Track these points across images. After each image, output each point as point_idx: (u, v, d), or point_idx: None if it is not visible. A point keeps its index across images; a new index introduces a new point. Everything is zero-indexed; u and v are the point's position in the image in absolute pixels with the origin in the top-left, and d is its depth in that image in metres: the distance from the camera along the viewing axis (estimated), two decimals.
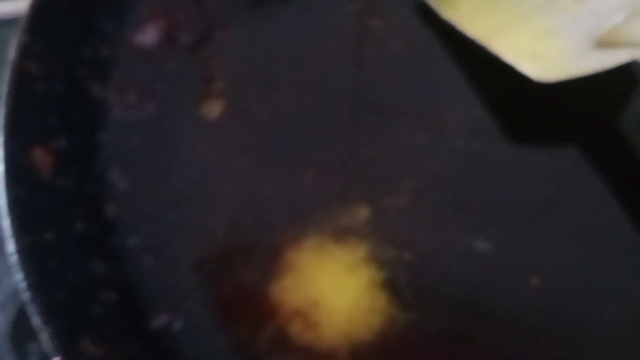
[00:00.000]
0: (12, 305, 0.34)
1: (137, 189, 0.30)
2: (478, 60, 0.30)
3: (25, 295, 0.22)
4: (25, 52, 0.26)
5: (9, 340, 0.33)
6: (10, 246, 0.22)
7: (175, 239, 0.29)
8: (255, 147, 0.31)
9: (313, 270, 0.29)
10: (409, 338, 0.28)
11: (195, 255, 0.29)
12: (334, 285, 0.29)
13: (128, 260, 0.28)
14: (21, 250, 0.22)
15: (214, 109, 0.32)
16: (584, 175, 0.30)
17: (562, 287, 0.28)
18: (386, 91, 0.32)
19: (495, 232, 0.29)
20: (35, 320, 0.22)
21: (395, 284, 0.29)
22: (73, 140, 0.29)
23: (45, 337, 0.21)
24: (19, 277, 0.22)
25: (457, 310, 0.28)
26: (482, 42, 0.29)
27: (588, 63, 0.27)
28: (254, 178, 0.31)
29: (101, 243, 0.28)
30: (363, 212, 0.30)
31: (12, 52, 0.26)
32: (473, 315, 0.28)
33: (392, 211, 0.30)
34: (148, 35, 0.33)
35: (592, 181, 0.30)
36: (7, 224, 0.23)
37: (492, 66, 0.29)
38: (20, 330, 0.34)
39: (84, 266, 0.26)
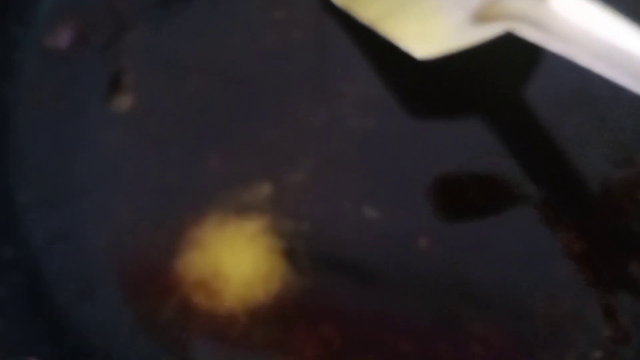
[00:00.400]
0: None
1: (46, 181, 0.32)
2: (373, 43, 0.32)
3: None
4: None
5: None
6: None
7: (83, 226, 0.31)
8: (162, 136, 0.33)
9: (215, 244, 0.31)
10: (304, 302, 0.29)
11: (102, 239, 0.31)
12: (234, 255, 0.30)
13: (36, 245, 0.30)
14: None
15: (123, 103, 0.34)
16: (478, 147, 0.31)
17: (450, 247, 0.30)
18: (287, 76, 0.34)
19: (384, 200, 0.31)
20: None
21: (293, 253, 0.30)
22: None
23: None
24: None
25: (350, 274, 0.30)
26: (373, 27, 0.31)
27: (465, 37, 0.28)
28: (160, 165, 0.32)
29: (9, 231, 0.30)
30: (265, 189, 0.32)
31: None
32: (365, 279, 0.30)
33: (292, 187, 0.32)
34: (59, 38, 0.35)
35: (488, 152, 0.31)
36: None
37: (388, 49, 0.31)
38: None
39: None
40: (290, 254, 0.30)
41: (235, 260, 0.30)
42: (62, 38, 0.35)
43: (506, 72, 0.33)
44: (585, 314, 0.29)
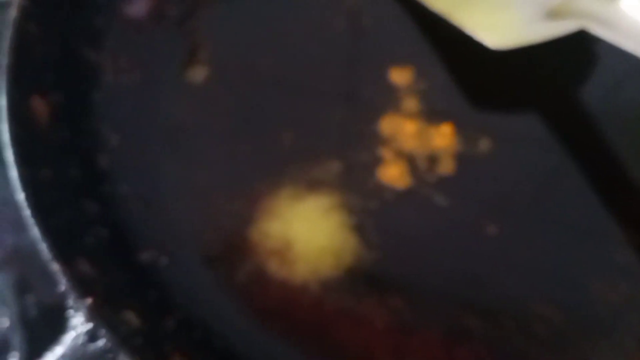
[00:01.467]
0: (15, 263, 0.36)
1: (127, 145, 0.33)
2: (441, 31, 0.33)
3: (25, 212, 0.24)
4: (25, 14, 0.29)
5: (12, 294, 0.36)
6: (13, 172, 0.25)
7: (162, 189, 0.32)
8: (236, 110, 0.34)
9: (288, 215, 0.32)
10: (374, 275, 0.31)
11: (179, 204, 0.32)
12: (307, 228, 0.31)
13: (118, 205, 0.31)
14: (21, 176, 0.25)
15: (198, 74, 0.35)
16: (542, 139, 0.32)
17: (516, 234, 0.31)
18: (355, 60, 0.35)
19: (454, 189, 0.32)
20: (35, 233, 0.24)
21: (363, 228, 0.31)
22: (68, 96, 0.31)
23: (44, 249, 0.24)
24: (20, 197, 0.25)
25: (419, 253, 0.31)
26: (445, 16, 0.32)
27: (539, 32, 0.30)
28: (234, 138, 0.33)
29: (94, 188, 0.30)
30: (335, 166, 0.33)
31: (13, 12, 0.28)
32: (432, 258, 0.31)
33: (360, 166, 0.33)
34: (137, 8, 0.36)
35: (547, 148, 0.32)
36: (9, 152, 0.25)
37: (456, 38, 0.32)
38: (22, 285, 0.36)
39: (77, 204, 0.29)
40: (360, 230, 0.31)
41: (308, 232, 0.31)
42: (140, 8, 0.36)
43: (565, 71, 0.34)
44: None
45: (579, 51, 0.33)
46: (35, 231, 0.24)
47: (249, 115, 0.34)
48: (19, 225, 0.35)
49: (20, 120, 0.27)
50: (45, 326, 0.35)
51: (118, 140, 0.33)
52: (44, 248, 0.24)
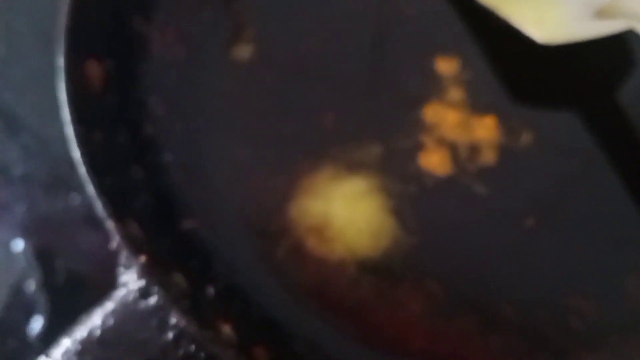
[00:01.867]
0: (44, 230, 0.37)
1: (172, 116, 0.33)
2: (485, 24, 0.33)
3: (81, 170, 0.25)
4: None
5: (35, 259, 0.36)
6: (69, 130, 0.25)
7: (204, 161, 0.32)
8: (280, 89, 0.34)
9: (327, 195, 0.32)
10: (411, 259, 0.31)
11: (221, 176, 0.32)
12: (346, 208, 0.32)
13: (163, 173, 0.31)
14: (76, 134, 0.25)
15: (244, 52, 0.35)
16: (580, 138, 0.33)
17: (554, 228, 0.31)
18: (400, 48, 0.35)
19: (494, 180, 0.32)
20: (90, 190, 0.24)
21: (402, 212, 0.32)
22: (119, 64, 0.32)
23: (99, 205, 0.24)
24: (76, 155, 0.25)
25: (456, 240, 0.31)
26: (491, 8, 0.32)
27: (587, 29, 0.30)
28: (277, 116, 0.34)
29: (140, 155, 0.31)
30: (375, 150, 0.33)
31: None
32: (470, 246, 0.31)
33: (400, 151, 0.33)
34: None
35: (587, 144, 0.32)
36: (66, 111, 0.26)
37: (499, 30, 0.32)
38: (47, 252, 0.37)
39: (125, 169, 0.29)
40: (398, 214, 0.31)
41: (347, 212, 0.31)
42: None
43: (608, 71, 0.34)
44: None
45: (622, 51, 0.33)
46: (90, 188, 0.25)
47: (291, 95, 0.34)
48: (53, 190, 0.36)
49: (77, 81, 0.27)
50: (71, 294, 0.35)
51: (164, 111, 0.33)
52: (99, 205, 0.24)
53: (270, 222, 0.31)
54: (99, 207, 0.24)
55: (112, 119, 0.30)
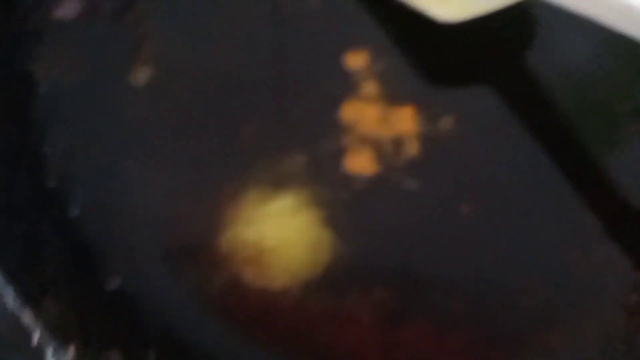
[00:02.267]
0: None
1: (75, 158, 0.30)
2: (390, 12, 0.32)
3: None
4: None
5: None
6: None
7: (119, 202, 0.30)
8: (189, 108, 0.32)
9: (257, 219, 0.30)
10: (354, 269, 0.30)
11: (140, 214, 0.30)
12: (279, 229, 0.30)
13: (74, 230, 0.29)
14: None
15: (143, 73, 0.33)
16: (499, 115, 0.32)
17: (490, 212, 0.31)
18: (307, 47, 0.33)
19: (422, 171, 0.31)
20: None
21: (336, 222, 0.30)
22: (5, 112, 0.29)
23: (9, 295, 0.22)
24: None
25: (396, 240, 0.30)
26: None
27: (489, 1, 0.29)
28: (192, 136, 0.31)
29: (48, 212, 0.28)
30: (299, 160, 0.31)
31: None
32: (409, 244, 0.30)
33: (326, 156, 0.31)
34: (67, 8, 0.33)
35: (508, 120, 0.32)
36: None
37: (404, 16, 0.31)
38: None
39: (33, 232, 0.27)
40: (333, 224, 0.30)
41: (280, 233, 0.30)
42: (70, 8, 0.33)
43: (513, 40, 0.33)
44: (619, 261, 0.30)
45: (523, 18, 0.33)
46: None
47: (202, 113, 0.32)
48: None
49: None
50: None
51: (63, 156, 0.31)
52: (10, 293, 0.22)
53: (200, 259, 0.29)
54: (9, 296, 0.22)
55: (7, 177, 0.27)
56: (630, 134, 0.32)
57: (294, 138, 0.32)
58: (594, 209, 0.31)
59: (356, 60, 0.33)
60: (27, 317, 0.22)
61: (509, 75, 0.33)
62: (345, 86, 0.32)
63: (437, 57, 0.33)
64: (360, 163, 0.32)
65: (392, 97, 0.32)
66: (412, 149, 0.32)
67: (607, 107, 0.32)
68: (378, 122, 0.32)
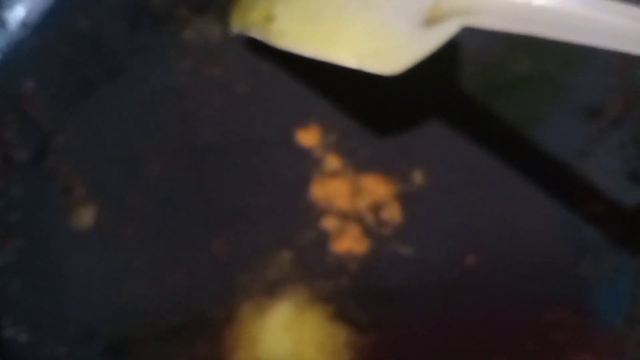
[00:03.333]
0: None
1: (37, 336, 0.26)
2: (324, 75, 0.30)
3: None
4: None
5: None
6: None
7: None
8: (147, 237, 0.29)
9: (262, 335, 0.27)
10: (378, 356, 0.27)
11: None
12: (288, 340, 0.27)
13: None
14: None
15: (86, 216, 0.29)
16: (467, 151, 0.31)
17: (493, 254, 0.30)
18: (247, 132, 0.31)
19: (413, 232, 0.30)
20: None
21: (346, 311, 0.28)
22: None
23: None
24: None
25: (410, 310, 0.28)
26: (322, 58, 0.29)
27: (424, 44, 0.28)
28: (161, 268, 0.28)
29: None
30: (286, 258, 0.29)
31: None
32: (425, 309, 0.28)
33: (311, 246, 0.29)
34: None
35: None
36: None
37: (341, 79, 0.29)
38: None
39: None
40: (343, 315, 0.28)
41: (292, 344, 0.27)
42: None
43: (447, 71, 0.33)
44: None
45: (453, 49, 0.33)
46: None
47: (164, 238, 0.29)
48: None
49: None
50: None
51: (26, 337, 0.26)
52: None
53: None
54: None
55: None
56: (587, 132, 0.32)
57: (271, 237, 0.29)
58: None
59: (309, 137, 0.31)
60: None
61: (458, 107, 0.32)
62: (307, 166, 0.31)
63: (384, 114, 0.32)
64: (348, 242, 0.30)
65: (356, 166, 0.31)
66: (394, 212, 0.30)
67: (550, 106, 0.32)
68: (352, 195, 0.30)
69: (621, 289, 0.30)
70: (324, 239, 0.30)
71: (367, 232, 0.30)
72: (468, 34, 0.27)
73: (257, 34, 0.32)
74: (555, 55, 0.33)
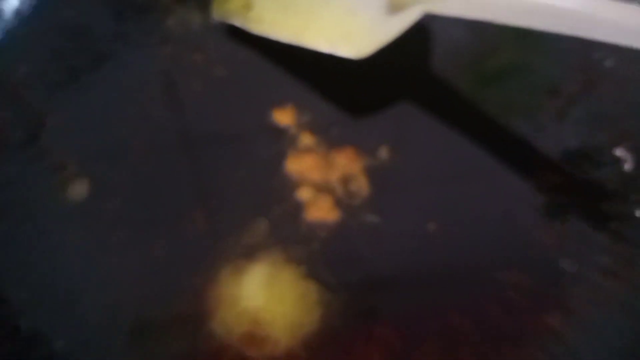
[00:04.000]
0: None
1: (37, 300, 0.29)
2: (300, 62, 0.33)
3: None
4: None
5: None
6: None
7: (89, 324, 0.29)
8: (134, 211, 0.32)
9: (241, 293, 0.30)
10: (350, 315, 0.30)
11: (120, 329, 0.29)
12: (265, 297, 0.30)
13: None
14: None
15: (78, 190, 0.32)
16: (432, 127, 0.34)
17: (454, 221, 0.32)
18: (236, 115, 0.34)
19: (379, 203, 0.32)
20: None
21: (316, 273, 0.31)
22: None
23: None
24: None
25: (378, 274, 0.31)
26: (296, 43, 0.32)
27: (389, 29, 0.31)
28: (145, 239, 0.31)
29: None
30: (261, 226, 0.31)
31: None
32: (391, 274, 0.31)
33: (285, 215, 0.32)
34: None
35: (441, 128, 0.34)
36: None
37: (314, 62, 0.32)
38: None
39: None
40: (314, 276, 0.30)
41: (267, 301, 0.30)
42: None
43: (416, 55, 0.35)
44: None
45: (419, 33, 0.35)
46: None
47: (150, 211, 0.32)
48: None
49: None
50: None
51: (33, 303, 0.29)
52: None
53: (200, 348, 0.28)
54: None
55: None
56: (546, 109, 0.34)
57: (248, 206, 0.32)
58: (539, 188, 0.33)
59: (284, 116, 0.34)
60: None
61: (423, 88, 0.35)
62: (282, 143, 0.33)
63: (355, 95, 0.34)
64: (320, 211, 0.32)
65: (328, 142, 0.33)
66: (362, 185, 0.33)
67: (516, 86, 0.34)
68: (323, 169, 0.33)
69: (571, 253, 0.32)
70: (297, 208, 0.32)
71: (337, 202, 0.32)
72: (435, 18, 0.30)
73: (236, 21, 0.35)
74: (518, 38, 0.35)
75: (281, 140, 0.33)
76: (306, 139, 0.33)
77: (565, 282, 0.31)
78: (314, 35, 0.32)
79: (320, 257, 0.31)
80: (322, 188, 0.32)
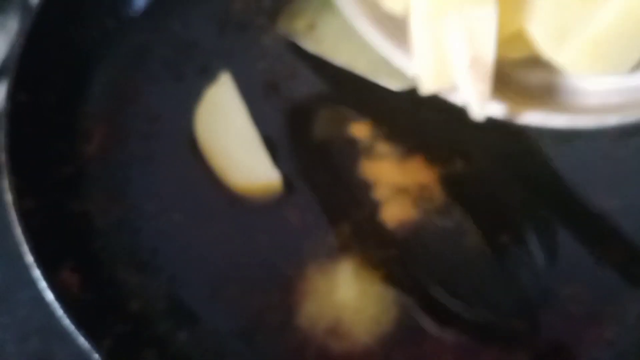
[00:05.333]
0: None
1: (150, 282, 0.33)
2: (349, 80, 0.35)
3: None
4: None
5: None
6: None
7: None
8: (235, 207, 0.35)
9: (324, 289, 0.33)
10: (422, 316, 0.33)
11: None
12: (346, 295, 0.33)
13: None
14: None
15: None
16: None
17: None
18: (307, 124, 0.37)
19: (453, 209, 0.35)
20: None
21: (392, 275, 0.33)
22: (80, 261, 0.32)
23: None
24: None
25: (454, 272, 0.34)
26: (347, 67, 0.35)
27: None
28: (248, 229, 0.35)
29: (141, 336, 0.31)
30: (345, 230, 0.35)
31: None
32: (465, 274, 0.34)
33: (366, 217, 0.35)
34: None
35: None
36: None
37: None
38: None
39: None
40: (391, 278, 0.33)
41: (348, 299, 0.33)
42: None
43: None
44: None
45: None
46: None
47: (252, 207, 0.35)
48: None
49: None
50: None
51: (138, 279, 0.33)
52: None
53: (286, 339, 0.32)
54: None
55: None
56: None
57: (332, 212, 0.35)
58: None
59: (362, 130, 0.37)
60: None
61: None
62: (358, 151, 0.36)
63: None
64: (397, 212, 0.35)
65: (402, 152, 0.36)
66: (435, 192, 0.35)
67: None
68: (398, 174, 0.36)
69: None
70: (375, 209, 0.35)
71: (414, 204, 0.35)
72: None
73: (298, 38, 0.38)
74: None
75: (358, 148, 0.36)
76: (382, 148, 0.36)
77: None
78: (364, 64, 0.34)
79: (397, 260, 0.34)
80: (400, 189, 0.35)
